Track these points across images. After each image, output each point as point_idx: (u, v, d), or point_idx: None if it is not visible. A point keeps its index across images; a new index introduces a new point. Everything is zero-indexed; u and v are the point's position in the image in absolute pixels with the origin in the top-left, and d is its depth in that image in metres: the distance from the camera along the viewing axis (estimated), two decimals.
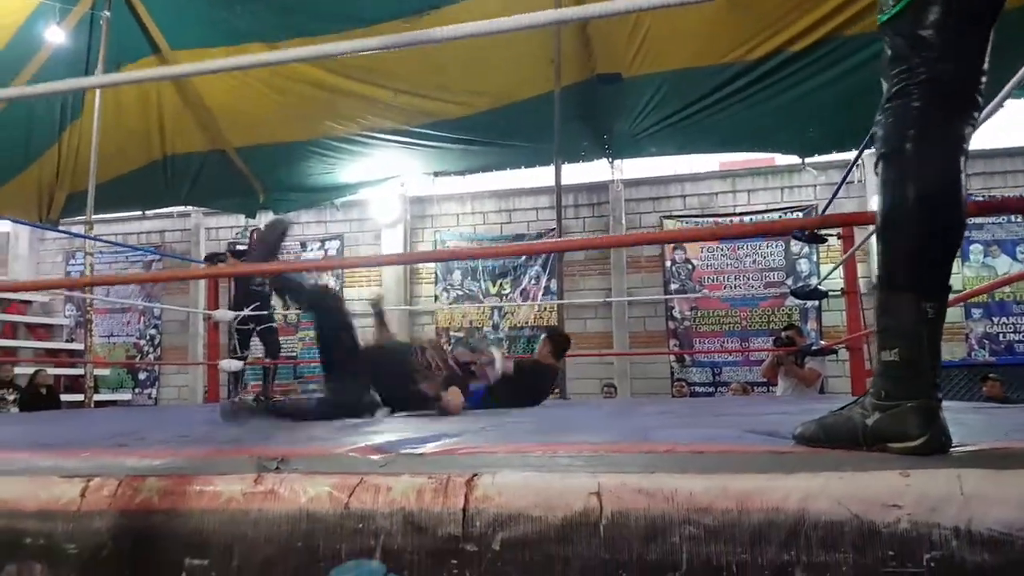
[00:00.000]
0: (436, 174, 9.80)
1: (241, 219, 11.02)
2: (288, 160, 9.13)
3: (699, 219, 10.03)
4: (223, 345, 7.75)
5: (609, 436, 1.78)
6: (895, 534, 1.04)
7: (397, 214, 10.86)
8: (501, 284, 10.29)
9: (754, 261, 9.78)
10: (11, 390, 8.76)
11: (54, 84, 2.61)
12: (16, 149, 8.36)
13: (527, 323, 10.26)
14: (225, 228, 11.73)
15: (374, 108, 8.14)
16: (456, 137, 8.54)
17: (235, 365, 8.02)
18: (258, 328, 6.83)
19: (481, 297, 10.39)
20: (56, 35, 7.42)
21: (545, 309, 10.11)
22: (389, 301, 10.69)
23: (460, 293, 10.58)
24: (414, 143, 8.76)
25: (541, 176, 9.97)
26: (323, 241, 11.32)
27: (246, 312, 6.65)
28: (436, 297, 10.73)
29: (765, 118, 7.49)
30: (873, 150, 1.36)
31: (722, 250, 9.78)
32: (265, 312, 6.81)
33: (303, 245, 11.27)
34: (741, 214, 9.95)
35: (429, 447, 1.53)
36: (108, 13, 7.35)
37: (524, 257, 10.13)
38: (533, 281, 10.25)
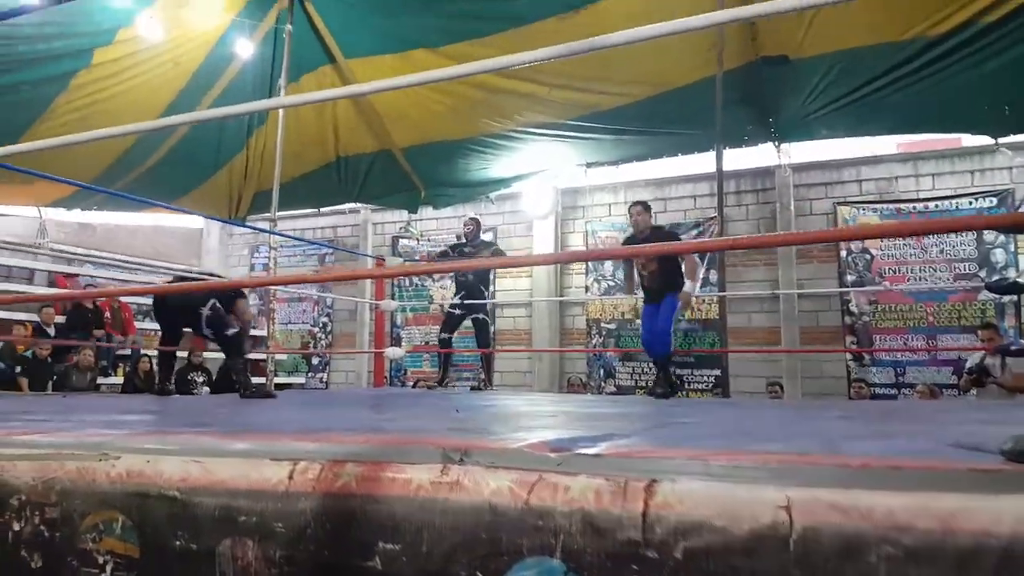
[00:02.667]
0: (589, 165, 9.77)
1: (403, 214, 11.57)
2: (447, 157, 9.46)
3: (877, 205, 9.32)
4: (387, 333, 8.20)
5: (795, 445, 1.70)
6: None
7: (549, 206, 10.96)
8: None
9: (942, 251, 8.96)
10: (200, 373, 9.69)
11: (248, 105, 2.89)
12: (209, 154, 9.27)
13: (684, 316, 10.00)
14: (390, 223, 12.39)
15: (530, 104, 8.24)
16: (611, 127, 8.47)
17: (398, 352, 8.50)
18: (470, 316, 7.23)
19: (634, 288, 10.26)
20: (245, 49, 8.10)
21: (704, 302, 9.81)
22: (539, 292, 10.84)
23: (611, 284, 10.50)
24: (568, 135, 8.79)
25: (698, 163, 9.67)
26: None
27: (452, 301, 7.27)
28: (587, 288, 10.73)
29: (951, 96, 6.83)
30: None
31: (905, 239, 9.04)
32: (478, 302, 7.19)
33: (457, 237, 11.70)
34: (925, 200, 9.14)
35: (603, 447, 1.54)
36: (290, 26, 7.95)
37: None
38: None
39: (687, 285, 5.08)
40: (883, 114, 7.44)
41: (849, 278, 9.28)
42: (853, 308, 9.29)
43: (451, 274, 7.04)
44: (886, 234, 9.13)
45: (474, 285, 7.25)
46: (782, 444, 1.72)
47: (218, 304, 5.02)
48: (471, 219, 7.68)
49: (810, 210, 9.70)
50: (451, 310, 7.31)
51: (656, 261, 5.22)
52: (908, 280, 9.05)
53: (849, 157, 9.76)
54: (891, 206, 9.26)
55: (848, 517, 1.14)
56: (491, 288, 7.37)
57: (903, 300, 9.07)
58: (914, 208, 9.15)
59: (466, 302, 7.17)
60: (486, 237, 9.29)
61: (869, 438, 2.10)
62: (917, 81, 6.78)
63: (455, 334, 7.48)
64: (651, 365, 10.02)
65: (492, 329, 7.78)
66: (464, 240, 7.51)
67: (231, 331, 5.09)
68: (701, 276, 5.26)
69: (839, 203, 9.54)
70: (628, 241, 5.87)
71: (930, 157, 9.35)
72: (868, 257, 9.27)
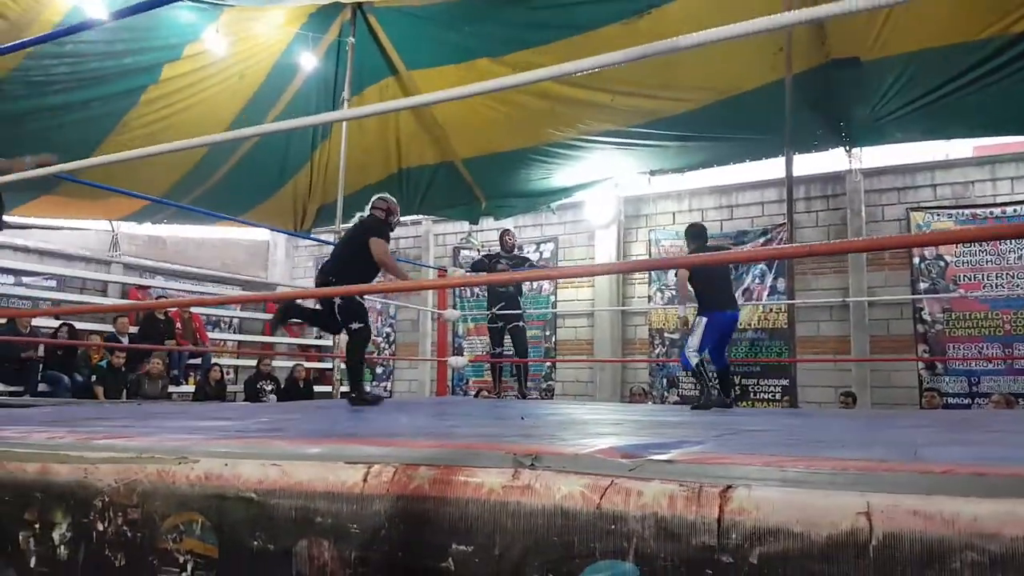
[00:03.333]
0: (652, 172, 9.69)
1: (464, 225, 11.68)
2: (508, 168, 9.52)
3: (952, 210, 8.98)
4: (449, 343, 8.25)
5: (873, 452, 1.66)
6: None
7: (611, 215, 10.89)
8: None
9: (1019, 257, 8.57)
10: (269, 381, 9.95)
11: (313, 118, 2.97)
12: (275, 168, 9.55)
13: (750, 325, 9.81)
14: (451, 234, 12.51)
15: (593, 112, 8.23)
16: (675, 134, 8.39)
17: (460, 362, 8.57)
18: (508, 327, 7.20)
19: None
20: (309, 62, 8.32)
21: (771, 310, 9.60)
22: (601, 302, 10.78)
23: (674, 293, 10.37)
24: (631, 143, 8.74)
25: (766, 169, 9.49)
26: (538, 244, 11.65)
27: (493, 311, 7.20)
28: (649, 298, 10.62)
29: None
30: None
31: (981, 245, 8.67)
32: (514, 312, 7.18)
33: (519, 248, 11.72)
34: (1003, 204, 8.76)
35: (675, 454, 1.53)
36: (353, 39, 8.14)
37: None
38: (757, 280, 9.76)
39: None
40: (959, 116, 7.19)
41: (922, 285, 8.95)
42: (926, 316, 8.95)
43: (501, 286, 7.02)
44: (961, 239, 8.78)
45: (513, 296, 7.23)
46: (858, 451, 1.67)
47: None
48: (508, 231, 7.65)
49: (882, 216, 9.40)
50: (492, 324, 7.31)
51: (685, 285, 5.34)
52: (984, 287, 8.68)
53: (922, 161, 9.42)
54: (967, 211, 8.90)
55: (931, 524, 1.11)
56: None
57: (978, 308, 8.70)
58: (991, 213, 8.77)
59: (502, 312, 7.14)
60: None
61: (948, 445, 2.03)
62: (995, 82, 6.55)
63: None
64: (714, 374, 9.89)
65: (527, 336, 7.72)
66: (502, 252, 7.45)
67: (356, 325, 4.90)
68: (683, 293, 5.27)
69: (912, 208, 9.22)
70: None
71: (1008, 160, 8.95)
72: (942, 264, 8.93)
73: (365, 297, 5.11)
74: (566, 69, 2.03)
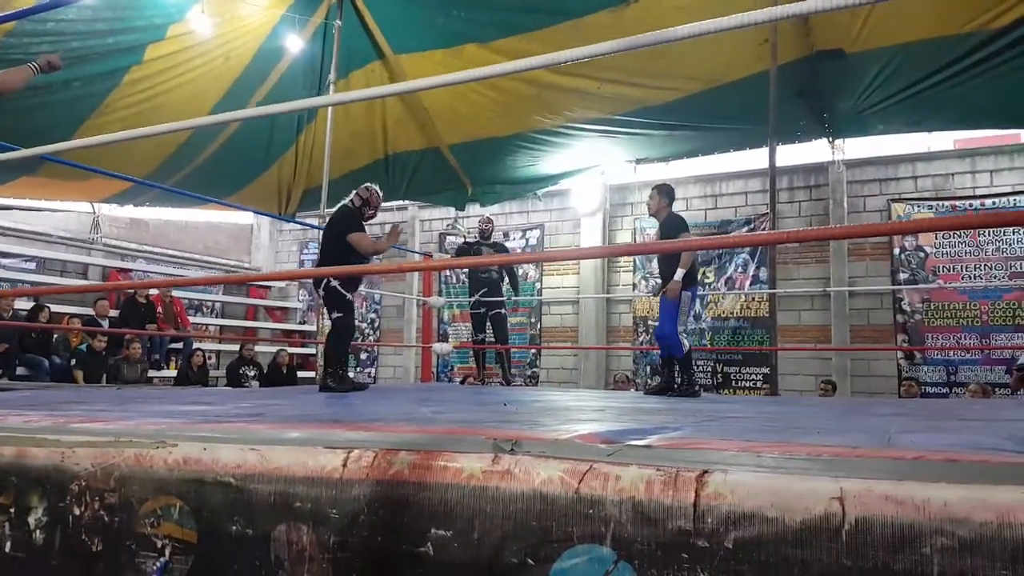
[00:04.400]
0: (638, 161, 9.70)
1: (451, 211, 11.65)
2: (495, 154, 9.49)
3: (932, 202, 9.07)
4: (434, 330, 8.23)
5: (847, 439, 1.68)
6: None
7: (597, 203, 10.91)
8: (704, 272, 9.98)
9: (998, 248, 8.68)
10: (251, 366, 9.91)
11: (296, 103, 2.94)
12: (260, 151, 9.44)
13: (732, 314, 9.88)
14: (437, 220, 12.48)
15: (580, 99, 8.21)
16: (661, 123, 8.39)
17: (445, 348, 8.57)
18: (490, 313, 7.20)
19: None
20: (295, 44, 8.22)
21: (753, 299, 9.67)
22: (586, 289, 10.80)
23: (659, 281, 10.41)
24: (617, 131, 8.73)
25: (750, 159, 9.52)
26: (524, 231, 11.65)
27: (476, 298, 7.19)
28: (634, 286, 10.66)
29: (1012, 90, 6.62)
30: None
31: (960, 236, 8.77)
32: (496, 299, 7.17)
33: (505, 235, 11.71)
34: (982, 197, 8.86)
35: (654, 439, 1.54)
36: (340, 22, 8.05)
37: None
38: (740, 269, 9.83)
39: (677, 273, 4.84)
40: (942, 109, 7.24)
41: (902, 276, 9.06)
42: (905, 306, 9.06)
43: (466, 272, 7.01)
44: (940, 228, 8.85)
45: (496, 282, 7.24)
46: (833, 438, 1.70)
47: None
48: (488, 218, 7.65)
49: (864, 207, 9.48)
50: (475, 311, 7.29)
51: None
52: (962, 278, 8.79)
53: (904, 153, 9.50)
54: (947, 203, 9.00)
55: (902, 509, 1.13)
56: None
57: (957, 298, 8.82)
58: (971, 205, 8.88)
59: (484, 299, 7.15)
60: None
61: (921, 432, 2.06)
62: (977, 75, 6.60)
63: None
64: (698, 362, 9.94)
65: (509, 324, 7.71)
66: (480, 239, 7.45)
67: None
68: (688, 263, 4.96)
69: (893, 200, 9.30)
70: None
71: (988, 153, 9.05)
72: (922, 255, 9.03)
73: (354, 288, 5.07)
74: (556, 59, 2.02)
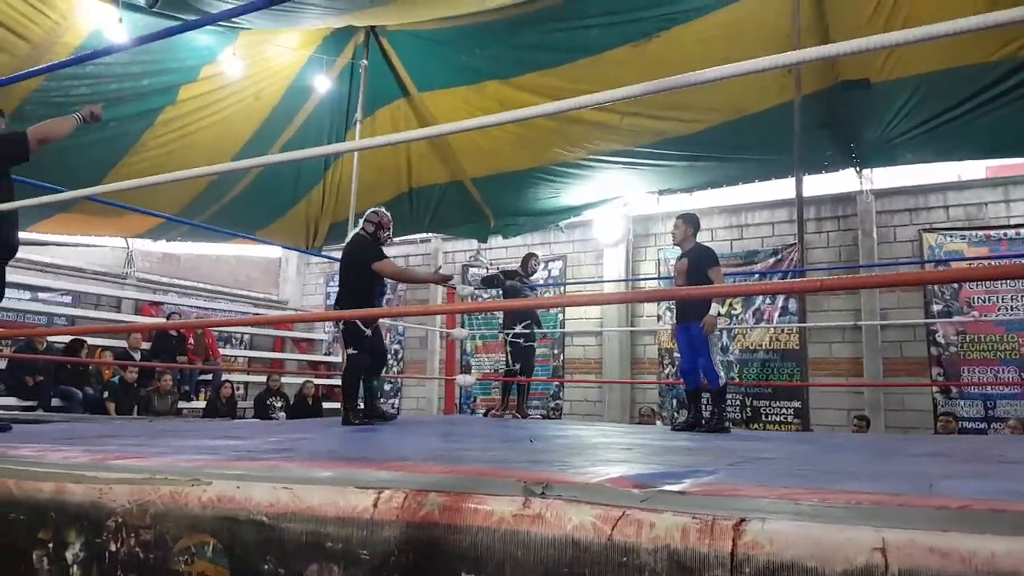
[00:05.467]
0: (661, 192, 9.71)
1: (473, 243, 11.71)
2: (517, 187, 9.57)
3: (965, 232, 8.93)
4: (457, 361, 8.20)
5: (886, 484, 1.65)
6: None
7: (620, 234, 10.90)
8: (731, 304, 9.89)
9: None
10: (278, 398, 9.95)
11: (322, 148, 2.99)
12: (288, 187, 9.64)
13: (761, 346, 9.76)
14: (460, 252, 12.54)
15: (601, 132, 8.27)
16: (684, 154, 8.41)
17: (468, 380, 8.51)
18: (525, 344, 7.03)
19: None
20: (323, 84, 8.41)
21: (783, 331, 9.55)
22: (610, 321, 10.74)
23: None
24: (640, 163, 8.76)
25: (777, 188, 9.47)
26: (547, 262, 11.65)
27: (518, 329, 6.97)
28: (659, 317, 10.58)
29: None
30: None
31: (996, 265, 8.60)
32: (535, 331, 7.08)
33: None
34: (1016, 226, 8.71)
35: (688, 484, 1.52)
36: (366, 62, 8.23)
37: (757, 274, 9.65)
38: (768, 301, 9.72)
39: (712, 307, 4.72)
40: (971, 138, 7.18)
41: (935, 307, 8.89)
42: (940, 339, 8.88)
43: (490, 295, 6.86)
44: (990, 278, 8.44)
45: (536, 315, 7.14)
46: (872, 483, 1.66)
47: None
48: (535, 255, 7.41)
49: (894, 237, 9.35)
50: (515, 341, 7.02)
51: (685, 277, 4.90)
52: (999, 310, 8.61)
53: (935, 182, 9.38)
54: (980, 233, 8.85)
55: (947, 561, 1.10)
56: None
57: (993, 330, 8.62)
58: (1005, 235, 8.72)
59: (525, 331, 6.97)
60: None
61: (964, 478, 2.00)
62: (1007, 104, 6.55)
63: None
64: (726, 396, 9.81)
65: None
66: (524, 272, 7.17)
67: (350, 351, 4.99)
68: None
69: (924, 230, 9.18)
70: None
71: (1021, 181, 8.91)
72: (956, 286, 8.86)
73: (371, 323, 5.06)
74: (580, 103, 2.04)
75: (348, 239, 5.23)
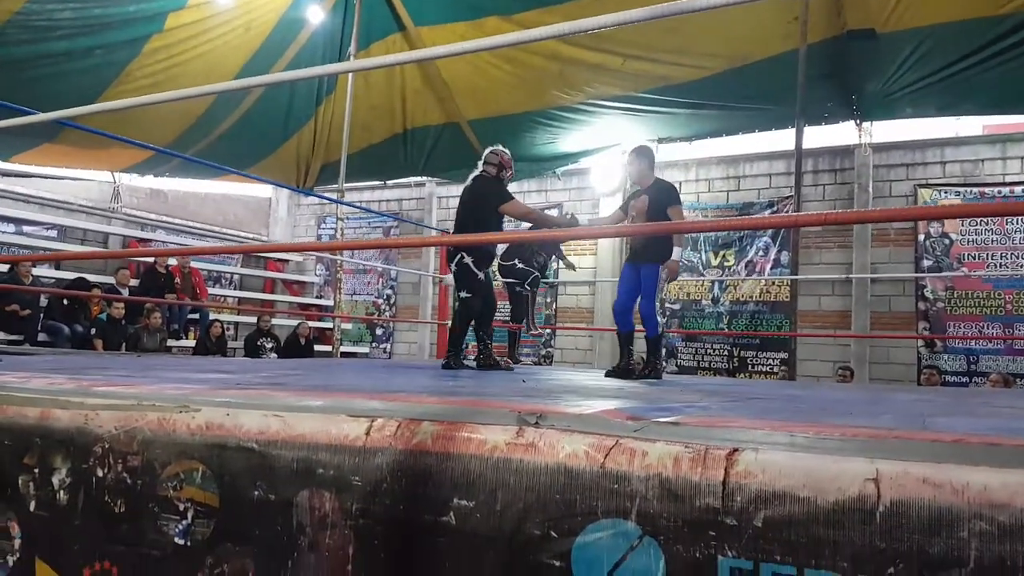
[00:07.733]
0: (660, 140, 9.59)
1: None
2: (514, 131, 9.41)
3: (960, 188, 8.91)
4: (449, 306, 8.18)
5: (880, 421, 1.65)
6: None
7: (617, 182, 10.81)
8: (724, 255, 9.90)
9: None
10: (269, 339, 9.96)
11: (313, 69, 2.93)
12: (279, 123, 9.44)
13: (751, 297, 9.80)
14: (455, 197, 12.38)
15: (602, 76, 8.12)
16: (686, 101, 8.29)
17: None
18: (521, 287, 6.94)
19: (701, 269, 10.07)
20: (316, 16, 8.18)
21: (773, 283, 9.58)
22: (603, 270, 10.73)
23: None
24: (640, 109, 8.63)
25: (774, 140, 9.38)
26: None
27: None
28: None
29: None
30: None
31: (987, 223, 8.61)
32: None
33: None
34: (1012, 184, 8.69)
35: (681, 416, 1.52)
36: None
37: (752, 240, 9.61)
38: (761, 253, 9.72)
39: (675, 252, 4.35)
40: (974, 93, 7.11)
41: (926, 263, 8.92)
42: (928, 294, 8.94)
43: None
44: (971, 215, 8.64)
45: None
46: (866, 420, 1.67)
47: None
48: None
49: (889, 192, 9.33)
50: (511, 280, 6.97)
51: (644, 216, 4.40)
52: (988, 266, 8.65)
53: (932, 138, 9.32)
54: (975, 190, 8.83)
55: (940, 492, 1.11)
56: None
57: (981, 287, 8.69)
58: (999, 192, 8.71)
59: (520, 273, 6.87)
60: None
61: (956, 416, 2.02)
62: (1012, 59, 6.46)
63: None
64: (714, 345, 9.89)
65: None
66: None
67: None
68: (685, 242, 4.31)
69: (920, 185, 9.14)
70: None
71: (1019, 139, 8.85)
72: (947, 242, 8.88)
73: (487, 265, 4.83)
74: (580, 26, 1.98)
75: (469, 179, 4.92)
